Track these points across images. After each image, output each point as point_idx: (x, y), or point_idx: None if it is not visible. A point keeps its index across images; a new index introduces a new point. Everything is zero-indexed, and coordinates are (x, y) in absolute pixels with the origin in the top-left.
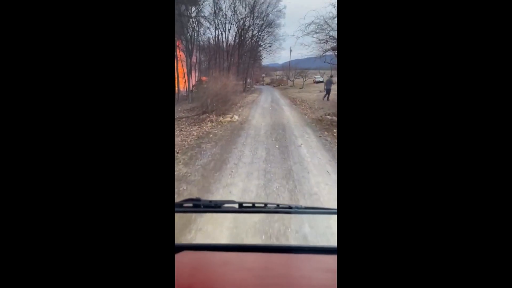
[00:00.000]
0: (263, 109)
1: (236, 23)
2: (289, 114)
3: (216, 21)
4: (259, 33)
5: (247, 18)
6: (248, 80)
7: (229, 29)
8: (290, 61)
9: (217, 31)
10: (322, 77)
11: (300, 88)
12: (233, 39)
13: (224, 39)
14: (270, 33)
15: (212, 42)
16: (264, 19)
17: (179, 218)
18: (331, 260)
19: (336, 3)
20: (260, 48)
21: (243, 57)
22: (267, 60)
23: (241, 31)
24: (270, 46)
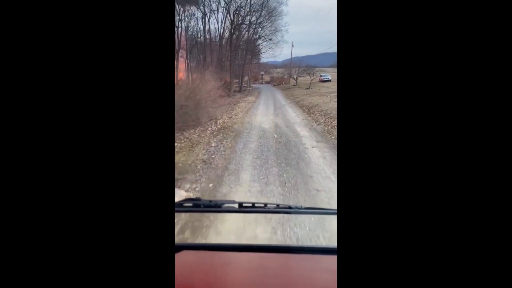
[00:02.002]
0: (261, 138)
1: (227, 4)
2: (322, 163)
3: (203, 2)
4: (258, 20)
5: (242, 1)
6: (246, 78)
7: (223, 18)
8: (291, 57)
9: (203, 10)
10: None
11: (307, 88)
12: (224, 28)
13: (209, 23)
14: (271, 22)
15: (197, 31)
16: (263, 5)
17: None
18: (331, 260)
19: None
20: (259, 40)
21: (238, 50)
22: (266, 55)
23: (234, 16)
24: (270, 39)
